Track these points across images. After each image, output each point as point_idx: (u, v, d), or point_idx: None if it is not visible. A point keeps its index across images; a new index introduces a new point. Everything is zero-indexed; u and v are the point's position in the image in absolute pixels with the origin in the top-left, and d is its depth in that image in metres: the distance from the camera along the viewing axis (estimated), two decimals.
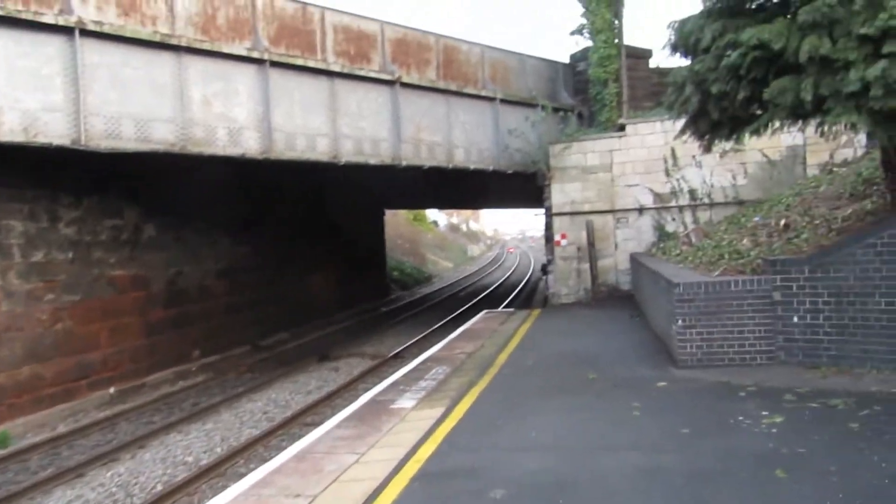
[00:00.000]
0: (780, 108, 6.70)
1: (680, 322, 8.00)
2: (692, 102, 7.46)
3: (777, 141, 15.54)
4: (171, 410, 12.10)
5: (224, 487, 8.16)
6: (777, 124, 7.18)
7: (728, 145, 12.36)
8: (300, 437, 10.03)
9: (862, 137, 14.97)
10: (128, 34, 10.75)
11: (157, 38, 11.10)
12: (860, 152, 14.90)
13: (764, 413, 5.95)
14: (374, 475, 5.29)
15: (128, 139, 10.85)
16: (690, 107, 7.54)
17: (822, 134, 7.14)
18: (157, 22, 11.19)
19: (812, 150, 15.58)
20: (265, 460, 9.12)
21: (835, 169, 13.05)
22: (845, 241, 7.39)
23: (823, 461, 4.76)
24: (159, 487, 8.32)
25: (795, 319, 7.59)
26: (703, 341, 7.95)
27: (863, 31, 5.87)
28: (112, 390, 12.87)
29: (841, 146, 15.19)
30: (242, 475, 8.57)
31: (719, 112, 7.29)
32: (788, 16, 6.57)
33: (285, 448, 9.47)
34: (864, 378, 6.90)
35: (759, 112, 7.24)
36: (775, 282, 7.69)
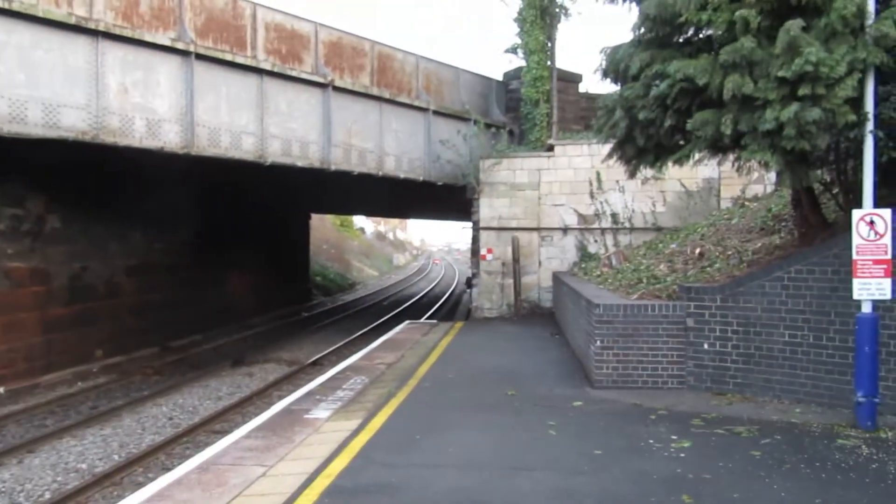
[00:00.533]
0: (702, 139, 6.95)
1: (598, 342, 8.14)
2: (620, 127, 7.64)
3: (695, 172, 16.26)
4: (67, 413, 11.34)
5: (119, 498, 7.70)
6: (698, 156, 7.43)
7: (650, 172, 12.79)
8: (206, 445, 9.63)
9: (772, 175, 15.88)
10: (39, 14, 10.09)
11: (73, 21, 10.48)
12: (770, 189, 15.78)
13: (673, 437, 6.10)
14: (282, 490, 5.06)
15: (34, 125, 10.16)
16: (619, 131, 7.72)
17: (739, 169, 7.45)
18: (74, 4, 10.58)
19: (726, 183, 16.36)
20: (167, 469, 8.68)
21: (746, 203, 13.72)
22: (755, 273, 7.73)
23: (727, 488, 4.89)
24: (47, 496, 7.74)
25: (706, 346, 7.86)
26: (619, 363, 8.12)
27: (780, 73, 6.15)
28: (2, 390, 11.94)
29: (752, 182, 16.04)
30: (140, 485, 8.13)
31: (645, 139, 7.50)
32: (713, 52, 6.83)
33: (189, 457, 9.10)
34: (767, 407, 7.20)
35: (682, 142, 7.49)
36: (689, 308, 7.95)
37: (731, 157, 7.51)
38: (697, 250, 10.41)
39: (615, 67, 7.77)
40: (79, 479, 8.26)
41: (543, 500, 4.71)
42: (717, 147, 7.09)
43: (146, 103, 11.57)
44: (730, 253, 9.54)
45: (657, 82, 7.19)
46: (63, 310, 13.78)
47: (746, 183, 16.04)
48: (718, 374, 7.81)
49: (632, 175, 8.68)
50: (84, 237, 14.41)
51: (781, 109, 6.21)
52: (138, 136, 11.45)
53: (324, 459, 5.69)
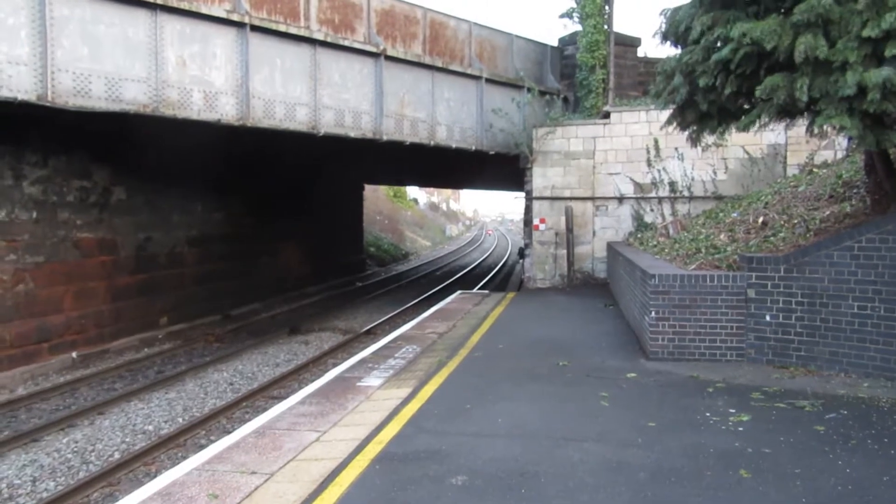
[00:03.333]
0: (771, 104, 6.58)
1: (653, 314, 7.95)
2: (680, 93, 7.32)
3: (759, 138, 15.63)
4: (135, 377, 11.87)
5: (184, 458, 8.03)
6: (765, 120, 7.06)
7: (711, 139, 12.29)
8: (265, 409, 9.93)
9: (843, 140, 15.09)
10: None
11: None
12: (840, 154, 15.01)
13: (731, 410, 5.92)
14: (334, 455, 5.16)
15: (97, 98, 10.46)
16: (678, 97, 7.40)
17: (812, 133, 7.05)
18: None
19: (793, 149, 15.65)
20: (227, 432, 8.99)
21: (815, 169, 13.07)
22: (822, 242, 7.36)
23: (788, 464, 4.73)
24: (116, 455, 8.13)
25: (768, 318, 7.58)
26: (675, 334, 7.92)
27: (865, 32, 5.71)
28: (74, 354, 12.57)
29: (822, 147, 15.31)
30: (203, 447, 8.45)
31: (708, 104, 7.17)
32: (782, 11, 6.43)
33: (248, 421, 9.40)
34: (832, 381, 6.91)
35: (746, 106, 7.13)
36: (750, 279, 7.66)
37: (801, 121, 7.08)
38: (760, 219, 9.99)
39: (675, 30, 7.42)
40: (146, 440, 8.64)
41: (594, 472, 4.65)
42: (787, 112, 6.71)
43: (203, 76, 11.75)
44: (795, 222, 9.11)
45: (719, 45, 6.84)
46: (129, 278, 14.35)
47: (815, 149, 15.32)
48: (780, 347, 7.53)
49: (693, 142, 8.33)
50: (148, 208, 14.90)
51: (864, 72, 5.79)
52: (196, 108, 11.66)
53: (375, 426, 5.77)
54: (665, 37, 7.65)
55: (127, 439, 8.70)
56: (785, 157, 15.75)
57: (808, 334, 7.35)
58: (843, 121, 6.00)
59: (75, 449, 8.29)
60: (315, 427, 5.94)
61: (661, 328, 7.94)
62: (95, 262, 13.45)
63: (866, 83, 5.72)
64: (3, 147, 11.38)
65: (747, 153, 15.90)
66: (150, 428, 9.15)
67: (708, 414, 5.84)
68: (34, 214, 11.98)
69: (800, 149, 15.49)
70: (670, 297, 7.89)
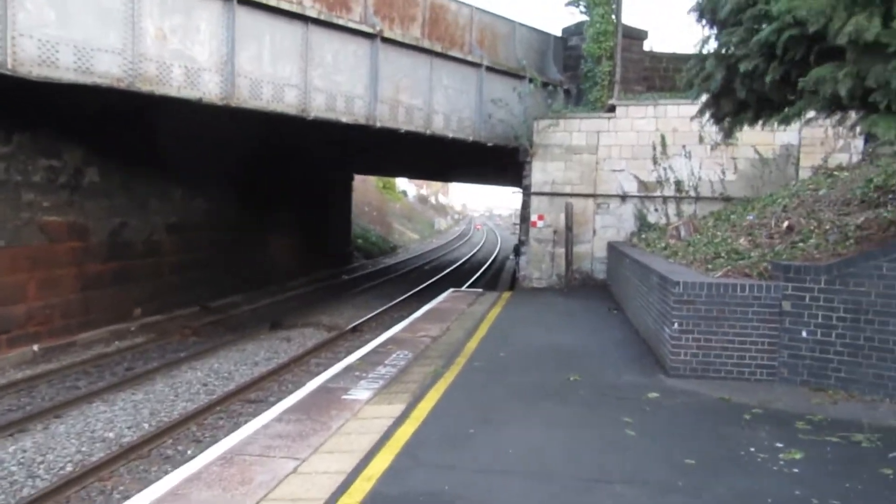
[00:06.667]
0: (817, 98, 5.78)
1: (676, 325, 7.14)
2: (715, 79, 6.50)
3: (771, 138, 14.91)
4: (101, 374, 10.94)
5: (145, 472, 7.18)
6: (810, 115, 6.28)
7: (720, 137, 11.48)
8: (240, 415, 9.08)
9: (859, 143, 14.43)
10: None
11: None
12: (856, 158, 14.33)
13: (779, 445, 5.10)
14: (314, 495, 4.28)
15: (66, 69, 9.50)
16: (713, 84, 6.58)
17: (860, 131, 6.26)
18: None
19: (807, 150, 14.94)
20: (197, 441, 8.14)
21: (835, 173, 12.33)
22: (870, 252, 6.58)
23: None
24: (69, 468, 7.22)
25: (804, 334, 6.80)
26: (700, 349, 7.11)
27: None
28: (36, 348, 11.61)
29: (837, 150, 14.63)
30: (168, 458, 7.59)
31: (747, 92, 6.35)
32: None
33: (221, 428, 8.53)
34: (879, 407, 6.13)
35: (791, 97, 6.33)
36: (786, 290, 6.87)
37: (854, 116, 6.29)
38: (785, 223, 9.22)
39: (712, 5, 6.60)
40: (105, 449, 7.75)
41: None
42: (838, 106, 5.90)
43: (185, 50, 10.82)
44: (827, 227, 8.35)
45: (764, 25, 6.03)
46: (101, 266, 13.38)
47: (830, 151, 14.64)
48: (818, 367, 6.75)
49: (728, 135, 7.52)
50: (124, 192, 13.93)
51: None
52: (176, 84, 10.73)
53: (364, 454, 4.90)
54: (701, 14, 6.81)
55: (83, 448, 7.79)
56: (798, 159, 15.04)
57: (849, 354, 6.57)
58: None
59: (22, 460, 7.35)
60: (293, 453, 5.06)
61: (685, 342, 7.13)
62: (64, 247, 12.47)
63: None
64: None
65: (758, 153, 15.16)
66: (111, 435, 8.24)
67: (752, 449, 5.02)
68: None
69: (814, 150, 14.80)
70: (696, 307, 7.08)
